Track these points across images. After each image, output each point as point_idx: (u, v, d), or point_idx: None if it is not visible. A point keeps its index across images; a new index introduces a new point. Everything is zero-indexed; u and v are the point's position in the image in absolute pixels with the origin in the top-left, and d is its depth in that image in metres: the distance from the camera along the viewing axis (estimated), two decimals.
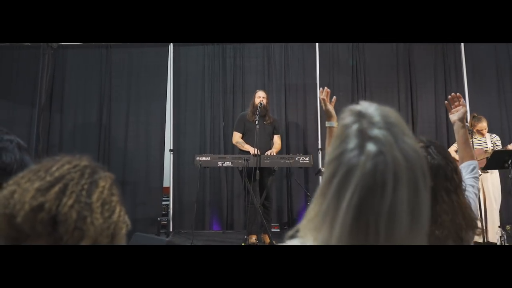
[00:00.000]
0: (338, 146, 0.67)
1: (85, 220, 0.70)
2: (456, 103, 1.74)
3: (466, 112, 1.71)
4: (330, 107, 1.79)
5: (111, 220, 0.74)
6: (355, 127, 0.66)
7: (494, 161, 3.99)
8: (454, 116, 1.71)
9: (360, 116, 0.67)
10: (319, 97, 1.84)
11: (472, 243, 1.29)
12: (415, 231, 0.64)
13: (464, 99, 5.58)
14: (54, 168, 0.73)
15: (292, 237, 0.76)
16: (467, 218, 1.21)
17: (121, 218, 0.76)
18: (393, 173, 0.62)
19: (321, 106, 1.84)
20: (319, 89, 1.88)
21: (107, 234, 0.73)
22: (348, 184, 0.63)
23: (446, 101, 1.83)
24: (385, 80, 5.72)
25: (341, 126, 0.69)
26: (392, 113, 0.69)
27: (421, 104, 5.67)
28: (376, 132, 0.65)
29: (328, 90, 1.83)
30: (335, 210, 0.64)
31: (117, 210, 0.76)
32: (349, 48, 5.78)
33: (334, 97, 1.86)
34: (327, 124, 1.77)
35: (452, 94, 1.78)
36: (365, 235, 0.63)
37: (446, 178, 1.21)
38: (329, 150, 0.71)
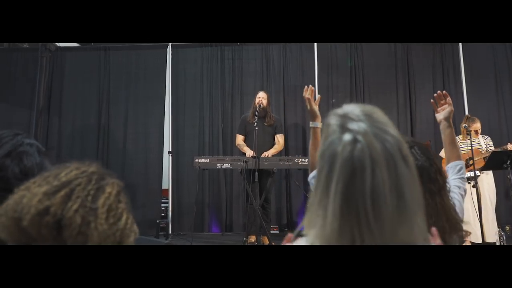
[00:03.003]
0: (323, 143, 0.74)
1: (89, 225, 0.70)
2: (442, 102, 1.70)
3: (452, 111, 1.66)
4: (315, 107, 1.70)
5: (116, 227, 0.74)
6: (335, 122, 0.74)
7: (493, 161, 3.98)
8: (440, 115, 1.66)
9: (341, 115, 0.74)
10: (304, 96, 1.72)
11: None
12: (402, 210, 0.68)
13: (463, 99, 5.59)
14: (62, 174, 0.74)
15: (298, 236, 0.78)
16: (451, 221, 1.18)
17: (128, 225, 0.76)
18: (369, 157, 0.68)
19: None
20: (305, 87, 1.76)
21: (112, 240, 0.73)
22: (332, 173, 0.69)
23: (432, 100, 1.79)
24: (384, 81, 5.73)
25: (325, 127, 0.76)
26: (372, 109, 0.75)
27: (420, 105, 5.67)
28: (353, 125, 0.71)
29: (313, 88, 1.74)
30: (326, 199, 0.69)
31: (124, 217, 0.76)
32: (347, 49, 5.79)
33: (319, 95, 1.77)
34: (311, 124, 1.68)
35: (438, 92, 1.72)
36: (356, 217, 0.67)
37: (429, 180, 1.18)
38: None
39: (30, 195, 0.70)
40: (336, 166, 0.69)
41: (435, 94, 1.74)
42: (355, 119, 0.72)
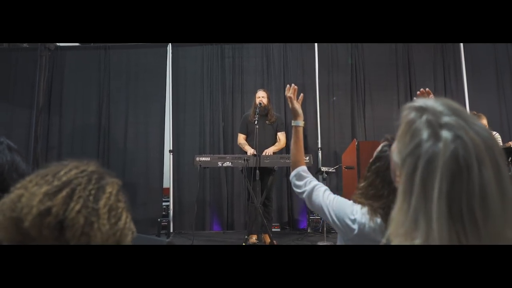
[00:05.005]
0: (409, 141, 0.67)
1: (92, 226, 0.70)
2: None
3: None
4: (297, 105, 1.68)
5: (117, 227, 0.73)
6: (423, 119, 0.67)
7: None
8: None
9: (422, 109, 0.68)
10: (286, 95, 1.69)
11: None
12: (507, 208, 0.63)
13: (464, 97, 5.58)
14: (61, 173, 0.73)
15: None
16: None
17: (127, 224, 0.75)
18: (475, 154, 0.63)
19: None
20: (287, 86, 1.75)
21: (113, 240, 0.72)
22: (432, 174, 0.63)
23: (415, 98, 1.77)
24: (385, 79, 5.72)
25: (405, 123, 0.69)
26: (451, 101, 0.69)
27: None
28: (446, 119, 0.66)
29: (296, 87, 1.70)
30: (426, 203, 0.64)
31: (124, 216, 0.75)
32: (348, 48, 5.78)
33: (302, 94, 1.75)
34: (293, 123, 1.65)
35: (421, 89, 1.69)
36: (460, 218, 0.62)
37: None
38: (396, 150, 0.71)
39: (29, 194, 0.69)
40: (436, 166, 0.63)
41: (418, 92, 1.71)
42: (445, 114, 0.66)
